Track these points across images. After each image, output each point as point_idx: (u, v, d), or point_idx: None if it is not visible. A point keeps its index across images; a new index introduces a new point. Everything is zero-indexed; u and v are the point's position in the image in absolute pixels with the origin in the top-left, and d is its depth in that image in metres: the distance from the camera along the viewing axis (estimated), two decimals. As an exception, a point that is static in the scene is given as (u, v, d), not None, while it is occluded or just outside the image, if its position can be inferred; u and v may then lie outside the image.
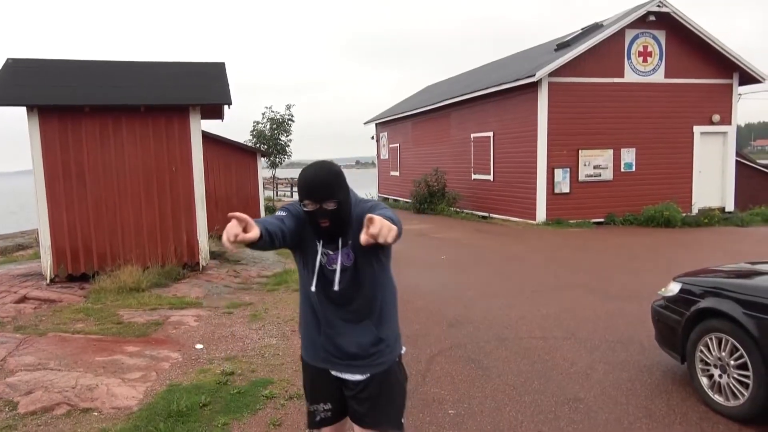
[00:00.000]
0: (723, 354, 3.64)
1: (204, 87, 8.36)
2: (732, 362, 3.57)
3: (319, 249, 2.20)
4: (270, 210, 16.24)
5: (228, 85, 8.44)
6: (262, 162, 14.68)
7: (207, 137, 11.66)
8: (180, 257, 8.10)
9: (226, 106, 8.61)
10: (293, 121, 17.36)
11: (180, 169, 7.99)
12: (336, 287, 2.19)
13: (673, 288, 4.22)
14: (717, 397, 3.69)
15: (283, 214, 2.23)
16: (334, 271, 2.18)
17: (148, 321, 5.94)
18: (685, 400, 3.87)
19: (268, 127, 17.07)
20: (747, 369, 3.46)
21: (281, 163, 18.56)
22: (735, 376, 3.56)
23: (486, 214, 16.06)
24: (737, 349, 3.52)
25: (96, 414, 3.84)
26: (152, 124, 7.84)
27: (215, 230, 11.21)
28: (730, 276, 4.00)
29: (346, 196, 2.14)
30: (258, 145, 16.54)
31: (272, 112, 17.24)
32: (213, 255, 9.27)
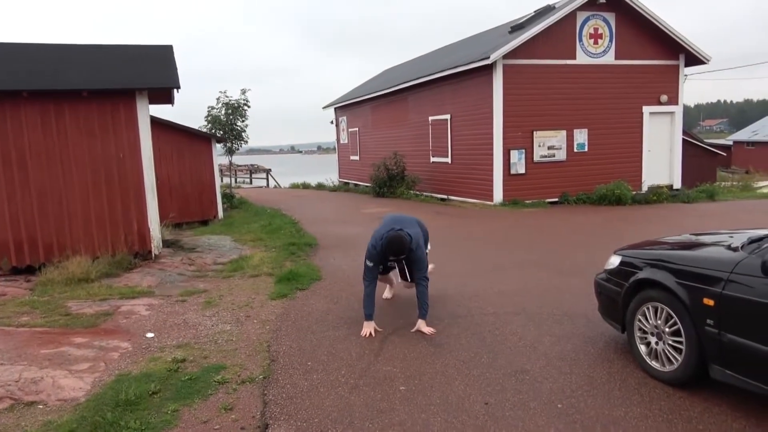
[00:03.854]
0: (659, 322, 3.81)
1: (151, 71, 8.11)
2: (667, 329, 3.74)
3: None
4: (228, 197, 15.95)
5: (176, 68, 8.22)
6: (217, 148, 14.37)
7: (158, 123, 11.37)
8: (131, 246, 7.91)
9: (175, 91, 8.39)
10: (249, 106, 17.00)
11: (128, 156, 7.77)
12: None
13: (614, 261, 4.38)
14: (654, 363, 3.87)
15: (371, 264, 5.05)
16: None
17: (97, 312, 5.80)
18: (625, 367, 4.05)
19: (223, 112, 16.68)
20: (680, 335, 3.63)
21: (238, 149, 18.20)
22: (670, 342, 3.73)
23: (445, 197, 16.22)
24: (671, 317, 3.69)
25: (41, 407, 3.75)
26: (97, 110, 7.58)
27: (170, 218, 11.00)
28: (668, 247, 4.18)
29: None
30: (213, 131, 16.17)
31: (227, 96, 16.84)
32: (166, 243, 9.09)
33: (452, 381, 3.94)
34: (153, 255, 8.11)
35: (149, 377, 4.11)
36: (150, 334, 5.11)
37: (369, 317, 4.98)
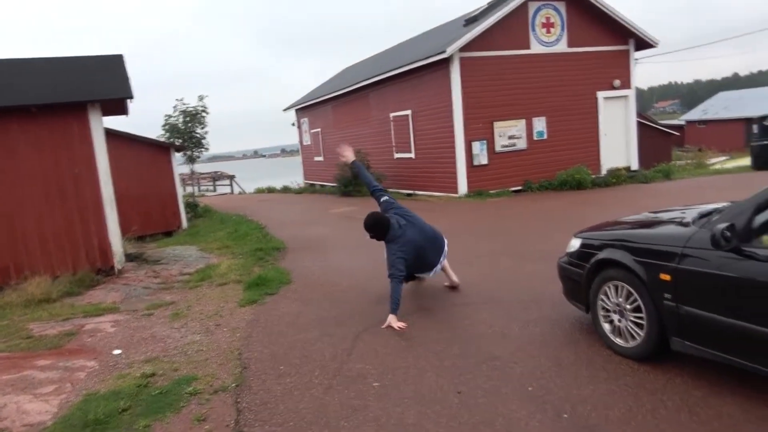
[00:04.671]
0: (620, 300, 3.93)
1: (101, 82, 7.91)
2: (628, 306, 3.86)
3: None
4: (191, 206, 15.69)
5: (128, 77, 8.04)
6: (177, 157, 14.13)
7: (113, 135, 11.09)
8: (93, 263, 7.72)
9: (129, 101, 8.21)
10: (207, 112, 16.79)
11: (83, 170, 7.57)
12: None
13: (575, 243, 4.49)
14: (618, 340, 3.98)
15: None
16: None
17: (60, 332, 5.64)
18: (591, 346, 4.16)
19: (181, 120, 16.42)
20: (641, 311, 3.75)
21: (199, 157, 17.95)
22: (631, 319, 3.85)
23: (411, 192, 16.30)
24: (631, 294, 3.81)
25: (5, 434, 3.64)
26: (47, 125, 7.36)
27: (132, 231, 10.76)
28: (625, 227, 4.30)
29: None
30: (172, 140, 15.89)
31: (184, 104, 16.59)
32: (130, 257, 8.90)
33: (425, 373, 3.98)
34: (116, 270, 7.93)
35: (118, 395, 4.03)
36: (117, 351, 5.00)
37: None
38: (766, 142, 16.16)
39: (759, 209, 3.16)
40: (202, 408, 3.76)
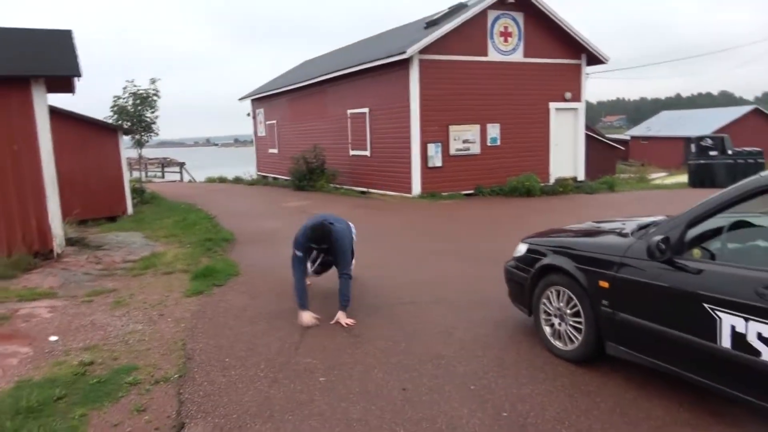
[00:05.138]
0: (561, 304, 4.09)
1: (48, 57, 7.56)
2: (568, 311, 4.03)
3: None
4: (138, 192, 15.17)
5: (76, 54, 7.71)
6: (125, 140, 13.64)
7: (58, 113, 10.61)
8: (30, 245, 7.37)
9: (76, 79, 7.87)
10: (159, 96, 16.26)
11: (23, 148, 7.22)
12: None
13: (521, 248, 4.65)
14: (557, 343, 4.15)
15: (299, 254, 5.20)
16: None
17: (-9, 316, 5.38)
18: (533, 348, 4.32)
19: (130, 102, 15.84)
20: (580, 316, 3.92)
21: (148, 142, 17.36)
22: (571, 323, 4.02)
23: (365, 190, 16.34)
24: (572, 299, 3.98)
25: (-73, 421, 3.44)
26: (-14, 98, 6.98)
27: (74, 214, 10.32)
28: (570, 235, 4.48)
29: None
30: (120, 122, 15.31)
31: (135, 86, 16.00)
32: (70, 241, 8.55)
33: (371, 369, 4.03)
34: (55, 254, 7.60)
35: (53, 382, 3.89)
36: (53, 338, 4.82)
37: (302, 306, 5.07)
38: (702, 162, 17.09)
39: (691, 224, 3.37)
40: (142, 398, 3.68)
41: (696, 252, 3.30)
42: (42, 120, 7.32)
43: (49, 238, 7.52)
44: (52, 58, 7.58)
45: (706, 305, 3.04)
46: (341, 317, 5.01)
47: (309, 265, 5.58)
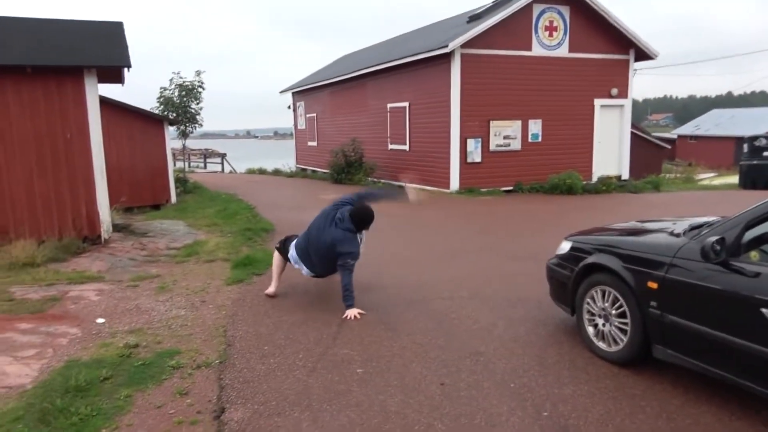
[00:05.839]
0: (606, 305, 3.98)
1: (100, 48, 7.79)
2: (613, 312, 3.92)
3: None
4: (181, 182, 15.53)
5: (127, 46, 7.93)
6: (170, 131, 13.98)
7: (107, 103, 10.96)
8: (80, 230, 7.64)
9: (126, 70, 8.09)
10: (204, 88, 16.57)
11: (76, 136, 7.47)
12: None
13: (565, 246, 4.54)
14: (600, 344, 4.04)
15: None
16: None
17: (43, 297, 5.60)
18: (574, 348, 4.22)
19: (176, 93, 16.20)
20: (626, 317, 3.81)
21: (192, 133, 17.72)
22: (616, 324, 3.91)
23: (402, 184, 16.29)
24: (618, 300, 3.86)
25: (-16, 394, 3.61)
26: (42, 87, 7.24)
27: (120, 202, 10.66)
28: (616, 234, 4.35)
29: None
30: (166, 113, 15.68)
31: (181, 78, 16.35)
32: (117, 227, 8.82)
33: (409, 363, 4.01)
34: (102, 239, 7.86)
35: (100, 363, 4.01)
36: (100, 320, 4.97)
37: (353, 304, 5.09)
38: (755, 162, 16.39)
39: (749, 225, 3.22)
40: (185, 382, 3.76)
41: (754, 254, 3.16)
42: (93, 109, 7.55)
43: (97, 224, 7.77)
44: (103, 49, 7.81)
45: (764, 310, 2.90)
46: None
47: (304, 269, 5.48)
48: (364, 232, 5.28)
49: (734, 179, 19.11)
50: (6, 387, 3.71)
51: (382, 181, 16.96)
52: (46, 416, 3.24)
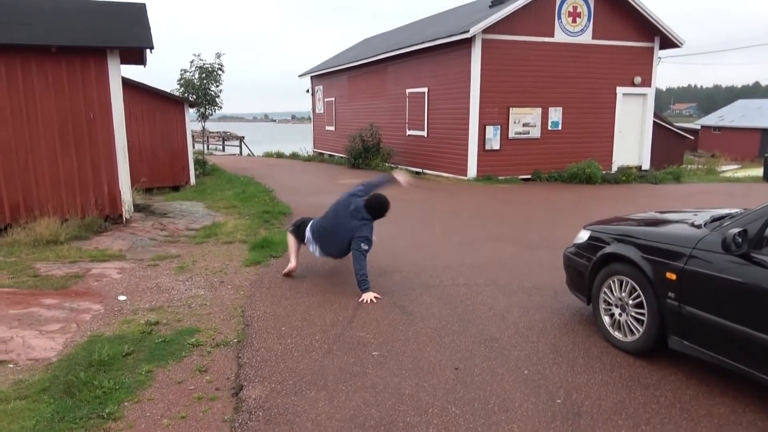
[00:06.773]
0: (623, 294, 3.97)
1: (123, 29, 7.86)
2: (630, 302, 3.90)
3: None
4: (200, 164, 15.68)
5: (149, 27, 7.98)
6: (190, 113, 14.09)
7: (129, 84, 11.06)
8: (101, 209, 7.78)
9: (148, 51, 8.16)
10: (223, 71, 16.65)
11: (98, 116, 7.58)
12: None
13: (583, 235, 4.52)
14: (616, 334, 4.04)
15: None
16: None
17: (67, 274, 5.73)
18: (589, 337, 4.22)
19: (197, 76, 16.30)
20: (642, 308, 3.79)
21: (211, 115, 17.85)
22: (632, 314, 3.90)
23: (420, 170, 16.27)
24: (635, 290, 3.85)
25: (11, 366, 3.73)
26: (66, 67, 7.34)
27: (141, 182, 10.81)
28: (635, 224, 4.32)
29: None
30: (186, 95, 15.80)
31: (201, 60, 16.44)
32: (137, 208, 8.97)
33: (424, 347, 4.05)
34: (124, 219, 7.99)
35: (122, 339, 4.12)
36: (122, 297, 5.09)
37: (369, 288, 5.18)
38: (780, 155, 16.04)
39: (773, 218, 3.17)
40: (204, 359, 3.84)
41: (776, 247, 3.11)
42: (116, 90, 7.64)
43: (118, 204, 7.90)
44: (127, 30, 7.88)
45: (784, 304, 2.87)
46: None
47: (318, 250, 5.62)
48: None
49: (758, 171, 18.73)
50: (32, 359, 3.83)
51: (400, 166, 16.93)
52: (70, 388, 3.34)
